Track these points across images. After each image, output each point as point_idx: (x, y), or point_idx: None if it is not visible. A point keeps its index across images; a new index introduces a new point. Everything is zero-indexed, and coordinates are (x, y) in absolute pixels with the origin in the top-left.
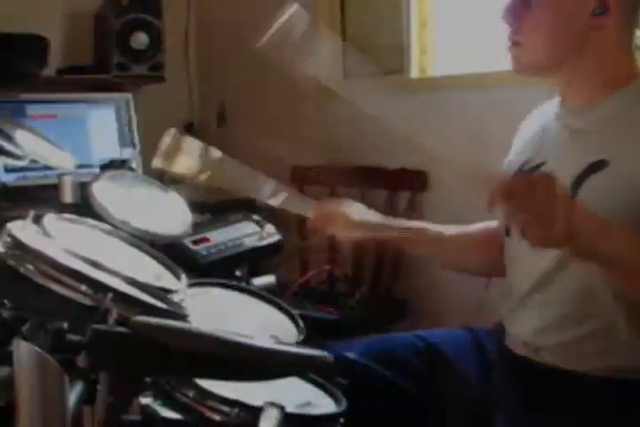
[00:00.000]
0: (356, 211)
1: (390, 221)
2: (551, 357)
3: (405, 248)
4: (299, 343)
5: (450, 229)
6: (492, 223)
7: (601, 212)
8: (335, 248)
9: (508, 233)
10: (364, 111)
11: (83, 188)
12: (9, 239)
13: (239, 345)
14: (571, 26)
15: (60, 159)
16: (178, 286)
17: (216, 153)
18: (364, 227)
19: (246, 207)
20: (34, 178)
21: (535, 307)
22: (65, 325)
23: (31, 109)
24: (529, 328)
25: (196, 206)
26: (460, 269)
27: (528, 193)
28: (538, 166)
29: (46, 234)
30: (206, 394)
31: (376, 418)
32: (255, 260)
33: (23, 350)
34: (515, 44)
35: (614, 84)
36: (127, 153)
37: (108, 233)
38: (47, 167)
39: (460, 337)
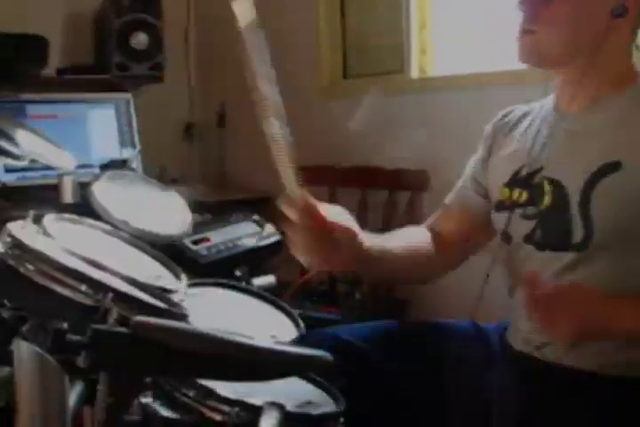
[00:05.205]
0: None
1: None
2: (552, 355)
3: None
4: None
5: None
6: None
7: (616, 213)
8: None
9: (509, 241)
10: (363, 111)
11: (83, 188)
12: (9, 239)
13: (239, 345)
14: (591, 24)
15: (60, 159)
16: (178, 285)
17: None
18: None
19: (246, 207)
20: (34, 178)
21: None
22: (65, 325)
23: (31, 109)
24: (531, 326)
25: (196, 206)
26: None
27: (557, 303)
28: (536, 172)
29: (46, 234)
30: (206, 394)
31: (375, 413)
32: (255, 260)
33: (23, 350)
34: (528, 32)
35: (616, 85)
36: (127, 153)
37: (108, 233)
38: (47, 167)
39: (464, 330)
